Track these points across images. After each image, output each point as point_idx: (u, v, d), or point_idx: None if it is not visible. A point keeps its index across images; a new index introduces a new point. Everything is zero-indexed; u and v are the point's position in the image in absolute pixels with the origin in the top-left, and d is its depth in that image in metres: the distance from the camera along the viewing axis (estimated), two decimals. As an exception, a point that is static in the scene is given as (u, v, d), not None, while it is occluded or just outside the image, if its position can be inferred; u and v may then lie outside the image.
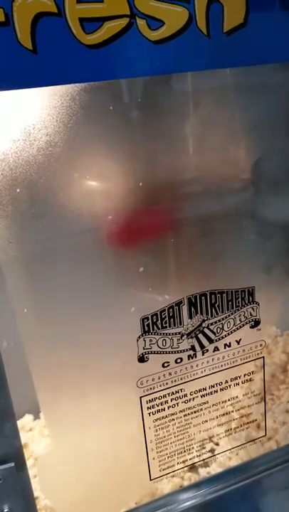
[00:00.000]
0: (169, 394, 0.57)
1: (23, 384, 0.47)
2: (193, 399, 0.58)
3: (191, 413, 0.59)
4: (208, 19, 0.43)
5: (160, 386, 0.56)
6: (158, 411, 0.57)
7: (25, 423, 0.80)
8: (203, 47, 0.44)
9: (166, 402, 0.57)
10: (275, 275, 0.62)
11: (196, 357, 0.56)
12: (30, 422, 0.81)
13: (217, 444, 0.65)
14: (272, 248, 0.60)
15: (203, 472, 0.67)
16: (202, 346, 0.56)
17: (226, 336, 0.57)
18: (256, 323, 0.58)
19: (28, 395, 0.54)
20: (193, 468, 0.66)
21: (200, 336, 0.55)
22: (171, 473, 0.62)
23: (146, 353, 0.53)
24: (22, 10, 0.38)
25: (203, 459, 0.64)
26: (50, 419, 0.58)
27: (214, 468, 0.67)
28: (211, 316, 0.55)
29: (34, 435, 0.79)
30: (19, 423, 0.78)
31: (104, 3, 0.40)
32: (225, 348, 0.57)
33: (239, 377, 0.60)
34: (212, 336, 0.56)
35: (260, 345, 0.59)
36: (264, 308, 0.59)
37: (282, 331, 0.91)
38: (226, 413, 0.62)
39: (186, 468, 0.63)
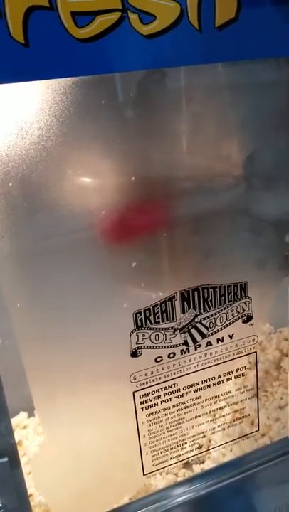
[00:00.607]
0: (162, 389, 0.57)
1: (18, 381, 0.47)
2: (186, 394, 0.59)
3: (184, 408, 0.59)
4: (200, 14, 0.43)
5: (153, 381, 0.56)
6: (151, 406, 0.57)
7: (19, 421, 0.80)
8: (195, 41, 0.44)
9: (159, 396, 0.57)
10: (267, 271, 0.62)
11: (188, 352, 0.56)
12: (25, 420, 0.81)
13: (210, 440, 0.65)
14: (265, 244, 0.60)
15: (197, 468, 0.67)
16: (195, 341, 0.56)
17: (218, 330, 0.57)
18: (249, 318, 0.58)
19: (22, 392, 0.54)
20: (186, 464, 0.66)
21: (193, 330, 0.55)
22: (165, 469, 0.62)
23: (139, 348, 0.54)
24: (14, 3, 0.38)
25: (197, 454, 0.64)
26: (44, 416, 0.58)
27: (208, 464, 0.67)
28: (204, 310, 0.55)
29: (28, 433, 0.79)
30: (14, 421, 0.78)
31: (96, -3, 0.40)
32: (218, 342, 0.58)
33: (232, 372, 0.60)
34: (205, 331, 0.56)
35: (253, 340, 0.60)
36: (257, 304, 0.59)
37: (275, 327, 0.92)
38: (219, 408, 0.62)
39: (179, 464, 0.63)
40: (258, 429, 0.66)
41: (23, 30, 0.39)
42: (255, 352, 0.60)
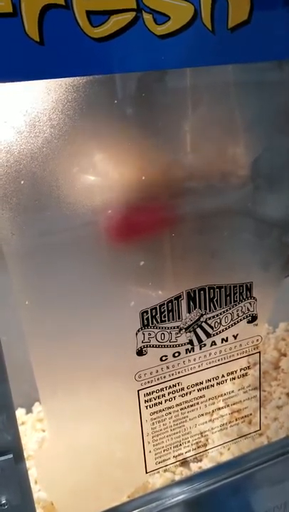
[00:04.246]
0: (166, 387, 0.57)
1: (16, 377, 0.48)
2: (190, 393, 0.59)
3: (188, 407, 0.60)
4: (213, 15, 0.43)
5: (158, 380, 0.56)
6: (155, 404, 0.57)
7: (17, 417, 0.80)
8: (208, 43, 0.44)
9: (164, 395, 0.57)
10: (271, 272, 0.62)
11: (193, 351, 0.57)
12: (23, 416, 0.81)
13: (211, 439, 0.66)
14: (270, 244, 0.60)
15: (195, 467, 0.68)
16: (200, 340, 0.56)
17: (223, 330, 0.57)
18: (253, 319, 0.58)
19: (20, 388, 0.54)
20: (185, 462, 0.66)
21: (198, 330, 0.56)
22: (166, 467, 0.62)
23: (144, 347, 0.54)
24: (30, 1, 0.38)
25: (198, 453, 0.64)
26: (49, 412, 0.58)
27: (205, 463, 0.68)
28: (209, 310, 0.55)
29: (26, 429, 0.79)
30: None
31: (112, -3, 0.40)
32: (222, 342, 0.58)
33: (235, 372, 0.60)
34: (210, 331, 0.56)
35: (257, 340, 0.60)
36: (261, 305, 0.59)
37: (274, 328, 0.92)
38: (221, 407, 0.62)
39: (178, 462, 0.64)
40: (259, 429, 0.66)
41: (38, 28, 0.39)
42: (259, 352, 0.61)
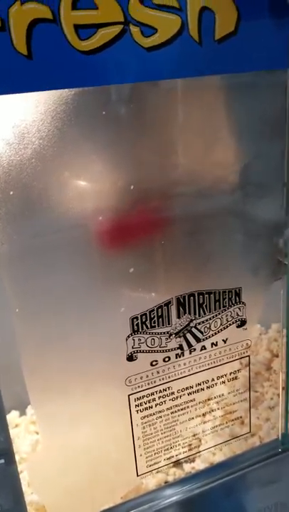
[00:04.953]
0: (156, 392, 0.58)
1: (9, 380, 0.48)
2: (180, 397, 0.60)
3: (178, 410, 0.60)
4: (200, 27, 0.44)
5: (148, 384, 0.57)
6: (145, 408, 0.58)
7: (11, 419, 0.80)
8: (195, 54, 0.45)
9: (154, 399, 0.58)
10: (261, 276, 0.63)
11: (183, 356, 0.57)
12: (16, 419, 0.82)
13: (202, 441, 0.66)
14: (259, 249, 0.61)
15: (188, 467, 0.69)
16: (190, 345, 0.57)
17: (213, 335, 0.58)
18: (243, 323, 0.59)
19: (14, 391, 0.55)
20: (178, 464, 0.67)
21: (188, 335, 0.56)
22: (158, 470, 0.63)
23: (134, 352, 0.54)
24: (18, 16, 0.38)
25: (189, 456, 0.65)
26: (40, 416, 0.59)
27: (198, 464, 0.69)
28: (199, 315, 0.56)
29: (20, 431, 0.80)
30: (5, 420, 0.79)
31: (99, 10, 0.41)
32: (212, 346, 0.59)
33: (225, 376, 0.61)
34: (199, 336, 0.57)
35: (247, 344, 0.61)
36: (250, 309, 0.60)
37: (266, 329, 0.93)
38: (212, 410, 0.63)
39: (171, 464, 0.65)
40: (250, 431, 0.67)
41: (26, 42, 0.39)
42: (248, 356, 0.61)
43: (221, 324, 0.58)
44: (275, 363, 0.86)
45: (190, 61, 0.45)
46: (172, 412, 0.60)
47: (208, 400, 0.62)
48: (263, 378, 0.84)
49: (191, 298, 0.55)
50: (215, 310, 0.57)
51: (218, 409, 0.64)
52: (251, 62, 0.47)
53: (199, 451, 0.66)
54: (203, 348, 0.58)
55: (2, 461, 0.51)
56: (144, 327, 0.54)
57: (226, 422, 0.66)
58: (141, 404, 0.58)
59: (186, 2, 0.43)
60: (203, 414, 0.63)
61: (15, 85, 0.40)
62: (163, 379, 0.58)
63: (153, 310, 0.54)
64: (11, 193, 0.45)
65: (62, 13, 0.40)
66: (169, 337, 0.56)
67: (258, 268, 0.63)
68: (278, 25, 0.47)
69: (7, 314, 0.51)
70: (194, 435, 0.64)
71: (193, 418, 0.62)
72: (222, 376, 0.61)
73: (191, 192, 0.57)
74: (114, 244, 0.54)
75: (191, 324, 0.56)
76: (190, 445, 0.65)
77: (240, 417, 0.66)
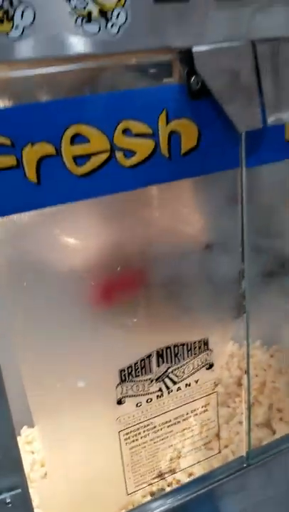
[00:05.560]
0: (141, 427, 0.70)
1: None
2: (161, 429, 0.72)
3: (159, 440, 0.72)
4: (170, 146, 0.56)
5: (134, 421, 0.69)
6: (132, 441, 0.70)
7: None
8: (165, 166, 0.57)
9: (139, 433, 0.70)
10: (225, 322, 0.75)
11: (163, 396, 0.69)
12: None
13: (180, 462, 0.79)
14: (225, 302, 0.73)
15: (170, 481, 0.81)
16: (168, 388, 0.69)
17: (186, 378, 0.70)
18: (210, 366, 0.72)
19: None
20: (161, 480, 0.79)
21: (166, 379, 0.68)
22: (144, 488, 0.75)
23: (123, 397, 0.66)
24: (30, 155, 0.49)
25: (170, 473, 0.77)
26: (44, 446, 0.70)
27: (178, 479, 0.81)
28: (175, 363, 0.68)
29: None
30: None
31: (91, 143, 0.52)
32: (186, 387, 0.71)
33: (197, 409, 0.73)
34: (175, 379, 0.69)
35: (214, 383, 0.73)
36: (216, 351, 0.72)
37: (240, 345, 1.04)
38: (187, 438, 0.76)
39: (155, 481, 0.76)
40: (220, 452, 0.80)
41: (36, 172, 0.50)
42: (216, 392, 0.74)
43: (192, 368, 0.70)
44: (245, 379, 0.98)
45: (161, 172, 0.56)
46: (154, 442, 0.72)
47: (184, 429, 0.74)
48: (235, 394, 0.96)
49: (168, 350, 0.67)
50: (188, 357, 0.69)
51: (192, 436, 0.76)
52: (210, 166, 0.59)
53: (178, 470, 0.78)
54: (179, 388, 0.70)
55: (19, 490, 0.61)
56: (130, 377, 0.66)
57: (200, 446, 0.78)
58: (129, 437, 0.70)
59: (158, 128, 0.55)
60: (180, 441, 0.75)
61: (26, 205, 0.51)
62: (146, 416, 0.70)
63: (137, 362, 0.65)
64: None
65: (63, 149, 0.51)
66: (151, 382, 0.67)
67: (223, 317, 0.75)
68: (230, 137, 0.59)
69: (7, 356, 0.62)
70: (172, 459, 0.76)
71: (171, 445, 0.74)
72: (195, 410, 0.73)
73: (167, 255, 0.69)
74: (104, 303, 0.66)
75: (169, 371, 0.68)
76: (170, 466, 0.77)
77: (211, 441, 0.79)
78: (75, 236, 0.62)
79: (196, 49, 0.52)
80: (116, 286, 0.67)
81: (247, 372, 0.75)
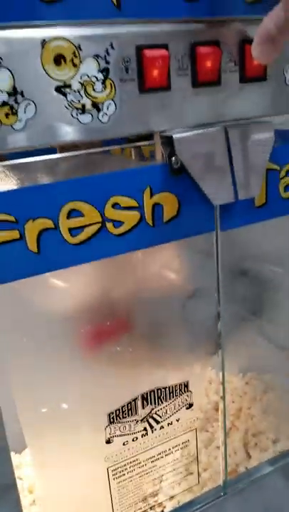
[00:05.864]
0: (128, 463, 0.76)
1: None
2: (146, 464, 0.78)
3: (144, 475, 0.79)
4: (154, 216, 0.63)
5: (121, 458, 0.75)
6: (119, 476, 0.76)
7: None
8: (150, 233, 0.64)
9: (126, 469, 0.76)
10: (203, 362, 0.82)
11: (147, 435, 0.76)
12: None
13: (164, 491, 0.85)
14: (202, 345, 0.81)
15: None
16: (152, 427, 0.76)
17: (168, 417, 0.77)
18: (190, 406, 0.78)
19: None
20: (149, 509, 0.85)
21: (150, 420, 0.75)
22: (130, 518, 0.81)
23: (111, 437, 0.73)
24: (31, 229, 0.56)
25: (154, 503, 0.84)
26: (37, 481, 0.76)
27: (163, 508, 0.87)
28: (158, 404, 0.75)
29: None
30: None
31: (85, 216, 0.59)
32: (168, 425, 0.78)
33: (178, 445, 0.80)
34: (159, 419, 0.76)
35: (194, 420, 0.80)
36: (195, 391, 0.79)
37: (217, 372, 1.11)
38: (170, 471, 0.82)
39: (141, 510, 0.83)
40: (198, 482, 0.86)
41: (36, 244, 0.57)
42: (196, 429, 0.81)
43: (174, 409, 0.77)
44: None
45: (146, 238, 0.64)
46: (140, 477, 0.79)
47: (167, 464, 0.81)
48: (213, 419, 1.02)
49: (152, 393, 0.74)
50: (170, 399, 0.76)
51: (174, 469, 0.83)
52: (189, 231, 0.67)
53: (162, 500, 0.85)
54: (162, 427, 0.77)
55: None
56: (118, 418, 0.72)
57: (181, 479, 0.85)
58: (116, 473, 0.76)
59: (143, 202, 0.62)
60: (163, 475, 0.82)
61: (27, 273, 0.58)
62: (132, 453, 0.76)
63: (124, 405, 0.72)
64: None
65: (60, 223, 0.58)
66: (136, 423, 0.74)
67: (201, 356, 0.82)
68: (206, 207, 0.66)
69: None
70: (156, 491, 0.82)
71: (155, 479, 0.81)
72: (176, 445, 0.80)
73: (150, 306, 0.76)
74: (92, 351, 0.73)
75: (152, 412, 0.75)
76: (155, 496, 0.83)
77: (192, 473, 0.85)
78: (67, 290, 0.69)
79: (175, 136, 0.60)
80: (104, 334, 0.74)
81: (223, 397, 0.82)
